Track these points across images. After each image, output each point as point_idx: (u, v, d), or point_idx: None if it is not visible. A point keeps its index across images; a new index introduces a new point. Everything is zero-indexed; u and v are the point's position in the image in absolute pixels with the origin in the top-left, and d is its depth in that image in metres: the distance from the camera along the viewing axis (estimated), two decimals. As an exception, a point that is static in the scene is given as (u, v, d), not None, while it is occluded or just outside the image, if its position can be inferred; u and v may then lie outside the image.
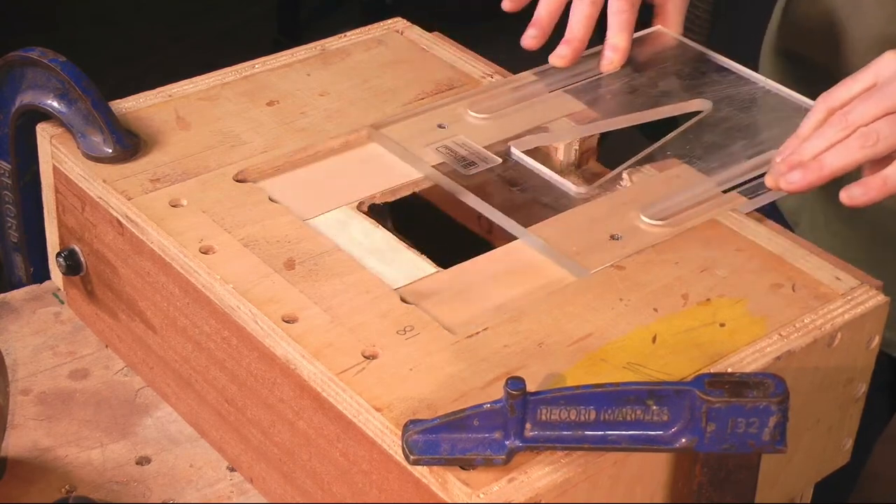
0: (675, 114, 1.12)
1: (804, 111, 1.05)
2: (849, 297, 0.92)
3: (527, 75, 1.14)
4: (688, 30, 2.03)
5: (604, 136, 1.11)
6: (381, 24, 1.22)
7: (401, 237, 0.98)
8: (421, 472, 0.80)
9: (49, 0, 3.19)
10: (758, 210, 1.01)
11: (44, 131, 1.05)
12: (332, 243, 0.95)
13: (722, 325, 0.89)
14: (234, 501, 0.93)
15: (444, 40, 1.21)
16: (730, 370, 0.86)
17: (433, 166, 1.03)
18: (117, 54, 2.92)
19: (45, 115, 1.04)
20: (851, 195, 0.96)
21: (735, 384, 0.78)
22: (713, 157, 1.05)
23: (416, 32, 1.22)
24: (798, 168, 0.97)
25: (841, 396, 0.94)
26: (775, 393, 0.78)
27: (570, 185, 1.03)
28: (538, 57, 1.15)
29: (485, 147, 1.05)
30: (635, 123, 1.11)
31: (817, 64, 1.26)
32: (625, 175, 1.04)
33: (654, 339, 0.88)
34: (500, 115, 1.09)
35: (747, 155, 1.05)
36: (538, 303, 0.91)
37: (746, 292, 0.92)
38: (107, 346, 1.05)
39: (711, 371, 0.85)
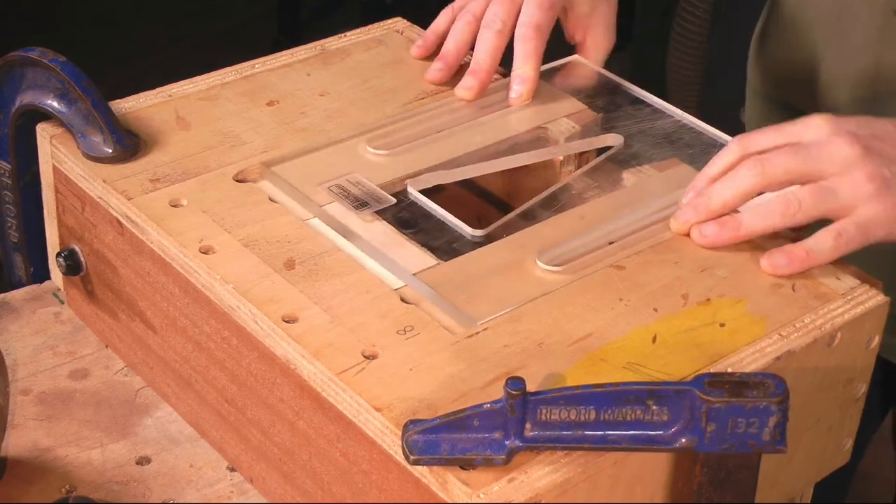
0: (585, 149, 1.08)
1: (719, 146, 1.02)
2: (849, 297, 0.92)
3: (432, 107, 1.10)
4: (687, 30, 2.04)
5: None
6: (381, 24, 1.22)
7: (401, 230, 0.97)
8: (421, 472, 0.80)
9: (49, 0, 3.19)
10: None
11: (44, 131, 1.05)
12: (332, 243, 0.95)
13: (722, 325, 0.89)
14: (234, 501, 0.93)
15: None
16: (730, 370, 0.86)
17: (322, 207, 0.98)
18: (117, 54, 2.92)
19: (45, 115, 1.04)
20: (775, 265, 0.94)
21: (735, 384, 0.78)
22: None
23: (416, 32, 1.21)
24: (715, 223, 0.95)
25: (841, 396, 0.94)
26: (775, 393, 0.78)
27: (465, 228, 0.98)
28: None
29: (382, 185, 1.01)
30: (544, 159, 1.07)
31: (798, 93, 1.24)
32: (625, 175, 1.04)
33: (654, 339, 0.88)
34: (401, 152, 1.05)
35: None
36: (538, 303, 0.91)
37: (746, 292, 0.92)
38: (107, 346, 1.05)
39: (711, 371, 0.85)
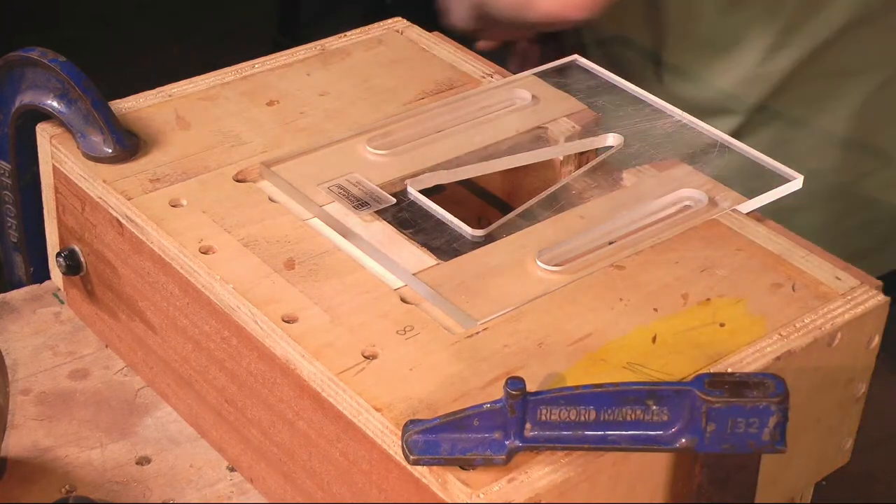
0: (585, 149, 1.07)
1: (720, 146, 1.02)
2: (849, 297, 0.92)
3: (432, 107, 1.09)
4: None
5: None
6: (381, 23, 1.22)
7: (401, 230, 0.97)
8: (421, 472, 0.80)
9: (49, 0, 3.18)
10: (757, 210, 1.01)
11: (44, 131, 1.05)
12: (332, 243, 0.95)
13: (722, 324, 0.89)
14: (234, 501, 0.93)
15: (444, 40, 1.21)
16: (730, 370, 0.86)
17: (322, 207, 0.98)
18: (117, 54, 2.92)
19: (45, 115, 1.04)
20: None
21: (735, 384, 0.78)
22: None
23: (416, 32, 1.22)
24: None
25: (841, 396, 0.94)
26: (775, 393, 0.78)
27: (465, 228, 0.98)
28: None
29: (382, 185, 1.00)
30: (544, 159, 1.07)
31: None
32: (625, 175, 1.04)
33: (654, 339, 0.88)
34: (401, 152, 1.04)
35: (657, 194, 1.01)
36: (538, 303, 0.91)
37: (746, 292, 0.92)
38: (107, 346, 1.05)
39: (711, 371, 0.85)
